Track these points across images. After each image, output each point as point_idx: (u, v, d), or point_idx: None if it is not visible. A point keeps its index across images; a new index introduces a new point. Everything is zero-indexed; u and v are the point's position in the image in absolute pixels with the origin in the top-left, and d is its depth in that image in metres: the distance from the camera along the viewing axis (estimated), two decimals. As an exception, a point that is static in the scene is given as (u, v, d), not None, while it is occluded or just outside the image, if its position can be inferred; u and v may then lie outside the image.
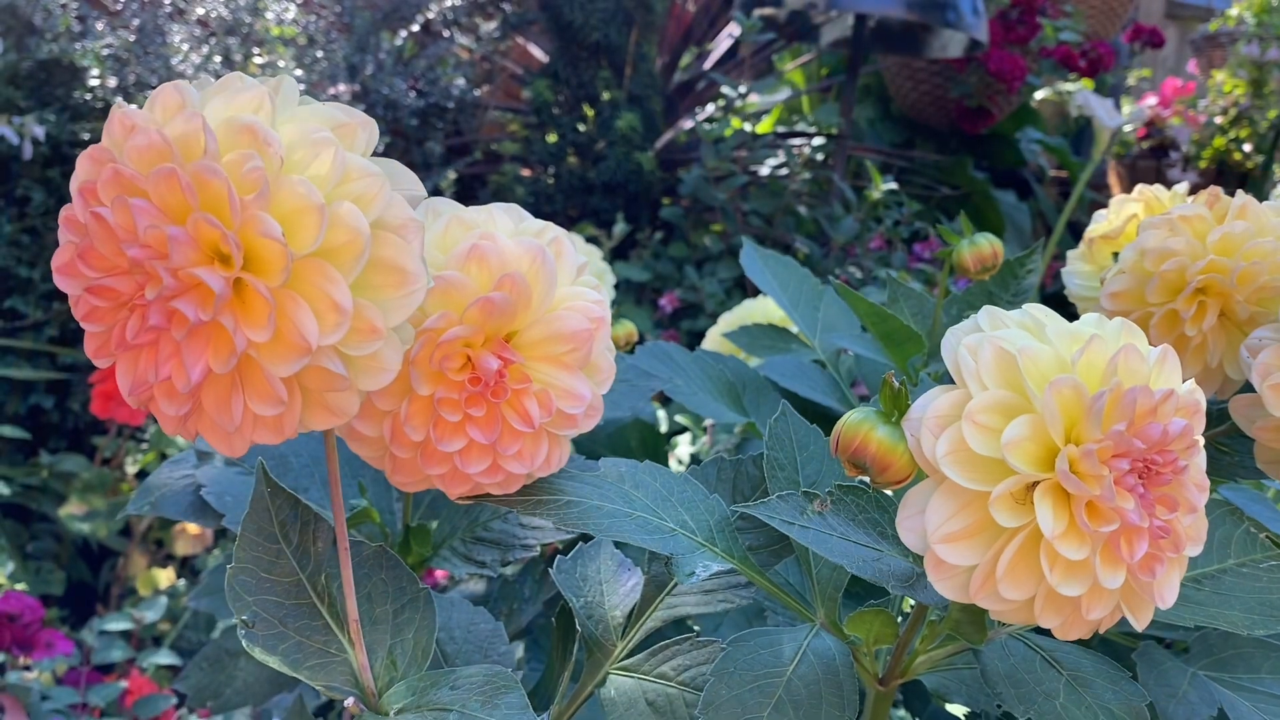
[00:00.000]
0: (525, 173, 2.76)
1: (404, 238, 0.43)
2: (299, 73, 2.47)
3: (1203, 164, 4.11)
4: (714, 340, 1.23)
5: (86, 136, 2.33)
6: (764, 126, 3.53)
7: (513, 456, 0.54)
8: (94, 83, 2.35)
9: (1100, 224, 0.84)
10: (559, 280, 0.56)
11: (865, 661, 0.60)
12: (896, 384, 0.49)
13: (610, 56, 2.67)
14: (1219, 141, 4.12)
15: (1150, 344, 0.68)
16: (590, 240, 2.40)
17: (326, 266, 0.42)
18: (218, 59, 2.44)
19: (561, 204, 2.63)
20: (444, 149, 2.49)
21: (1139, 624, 0.47)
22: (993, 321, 0.49)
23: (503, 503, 0.56)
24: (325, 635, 0.54)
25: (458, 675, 0.52)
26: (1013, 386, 0.46)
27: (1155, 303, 0.66)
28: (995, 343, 0.46)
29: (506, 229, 0.55)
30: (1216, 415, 0.73)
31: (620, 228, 2.37)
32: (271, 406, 0.43)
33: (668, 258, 2.55)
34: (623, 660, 0.61)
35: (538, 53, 3.13)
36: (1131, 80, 4.95)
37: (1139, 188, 0.83)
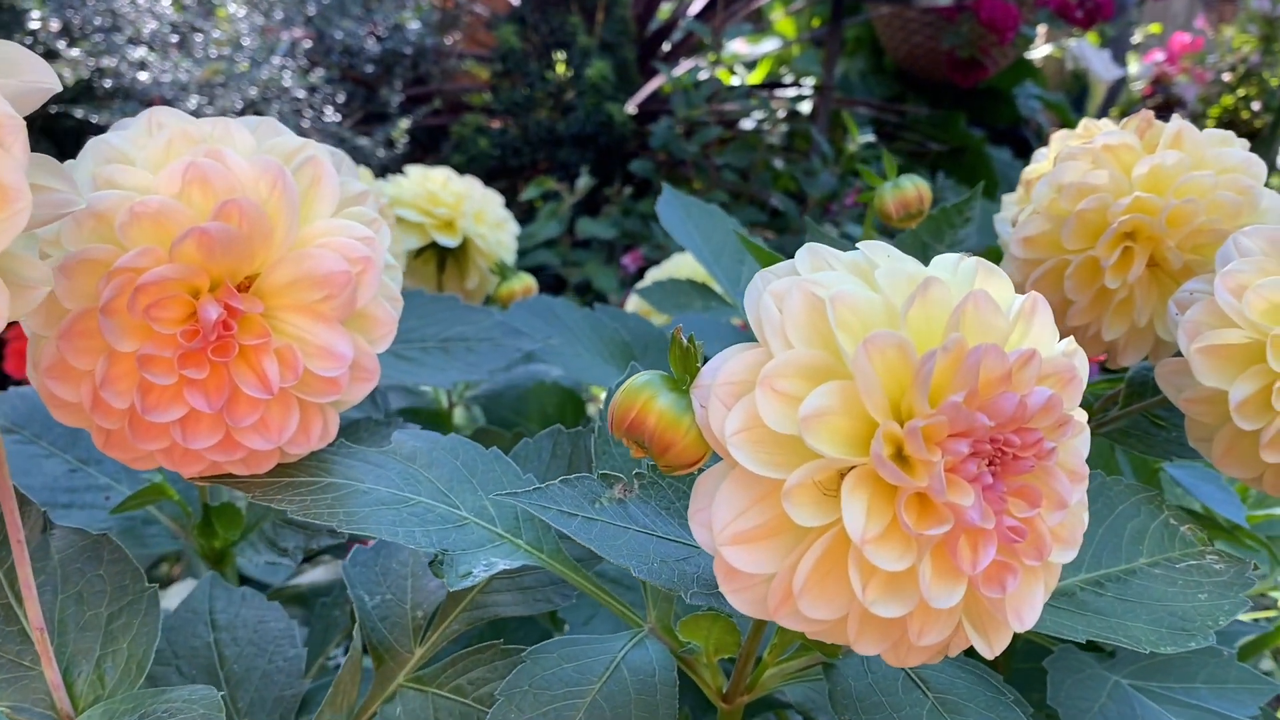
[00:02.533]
0: (495, 124, 2.64)
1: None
2: (257, 18, 2.35)
3: (1210, 122, 3.96)
4: (634, 300, 1.12)
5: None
6: (754, 78, 3.40)
7: (251, 429, 0.44)
8: (35, 25, 2.24)
9: (1038, 164, 0.72)
10: (316, 211, 0.45)
11: (706, 675, 0.50)
12: (685, 340, 0.38)
13: (581, 1, 2.55)
14: (1227, 99, 3.97)
15: (1071, 298, 0.57)
16: (551, 195, 2.29)
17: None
18: (166, 1, 2.32)
19: (529, 156, 2.51)
20: (405, 98, 2.38)
21: (990, 649, 0.37)
22: (814, 262, 0.38)
23: (240, 486, 0.46)
24: (20, 644, 0.44)
25: (168, 697, 0.42)
26: (825, 344, 0.35)
27: (1073, 249, 0.56)
28: (806, 288, 0.36)
29: (244, 146, 0.45)
30: (1151, 383, 0.62)
31: (584, 181, 2.25)
32: None
33: (638, 214, 2.43)
34: (419, 670, 0.52)
35: (513, -1, 3.00)
36: (1139, 37, 4.79)
37: (1084, 121, 0.72)
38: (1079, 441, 0.38)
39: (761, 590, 0.36)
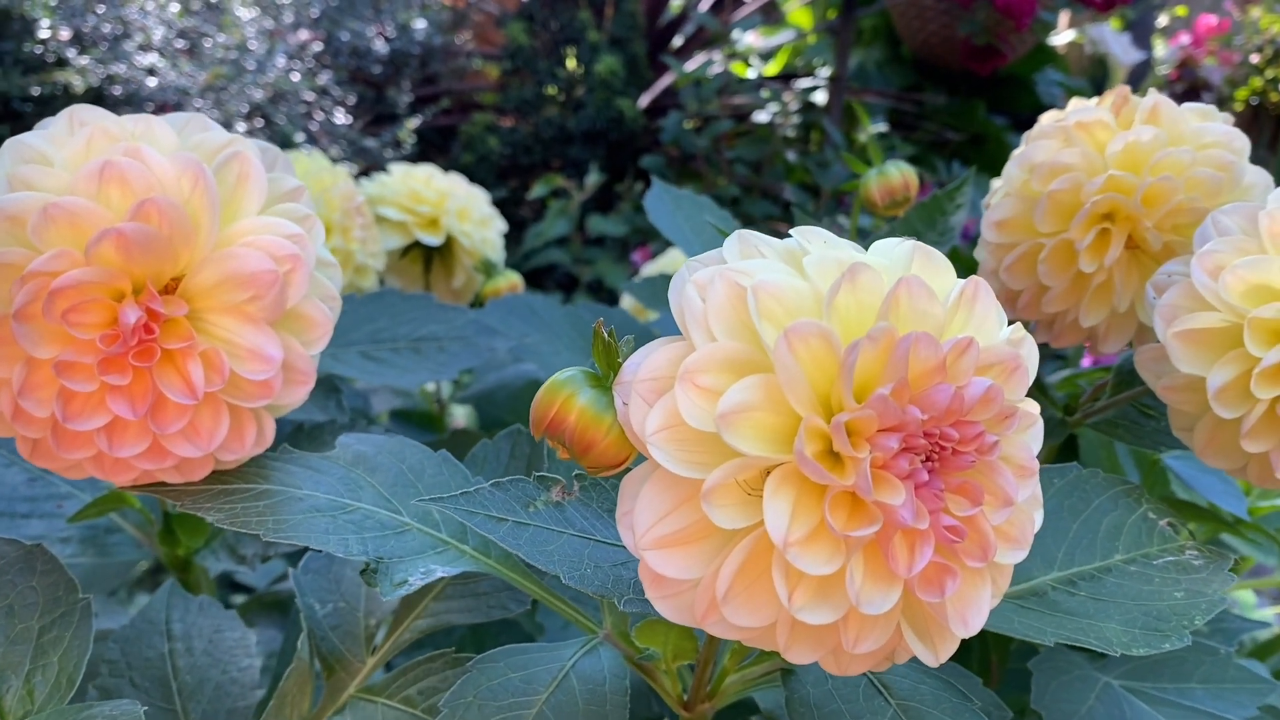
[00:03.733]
0: (506, 122, 2.63)
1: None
2: (266, 22, 2.35)
3: (1238, 106, 3.89)
4: (627, 297, 1.10)
5: (37, 91, 2.23)
6: (771, 70, 3.37)
7: (179, 435, 0.43)
8: (45, 34, 2.25)
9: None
10: (243, 209, 0.44)
11: (666, 682, 0.49)
12: (607, 334, 0.36)
13: (590, -3, 2.53)
14: (1255, 82, 3.89)
15: (1046, 283, 0.55)
16: (559, 193, 2.27)
17: None
18: (175, 7, 2.33)
19: (540, 154, 2.50)
20: (414, 98, 2.37)
21: (934, 657, 0.35)
22: (744, 249, 0.36)
23: (170, 495, 0.44)
24: (-51, 659, 0.43)
25: (91, 713, 0.41)
26: (748, 336, 0.33)
27: (1046, 231, 0.53)
28: (730, 277, 0.34)
29: (166, 143, 0.43)
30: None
31: (594, 178, 2.23)
32: None
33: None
34: (371, 680, 0.50)
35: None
36: (1165, 19, 4.72)
37: (1073, 100, 0.69)
38: (1029, 435, 0.36)
39: (689, 596, 0.34)
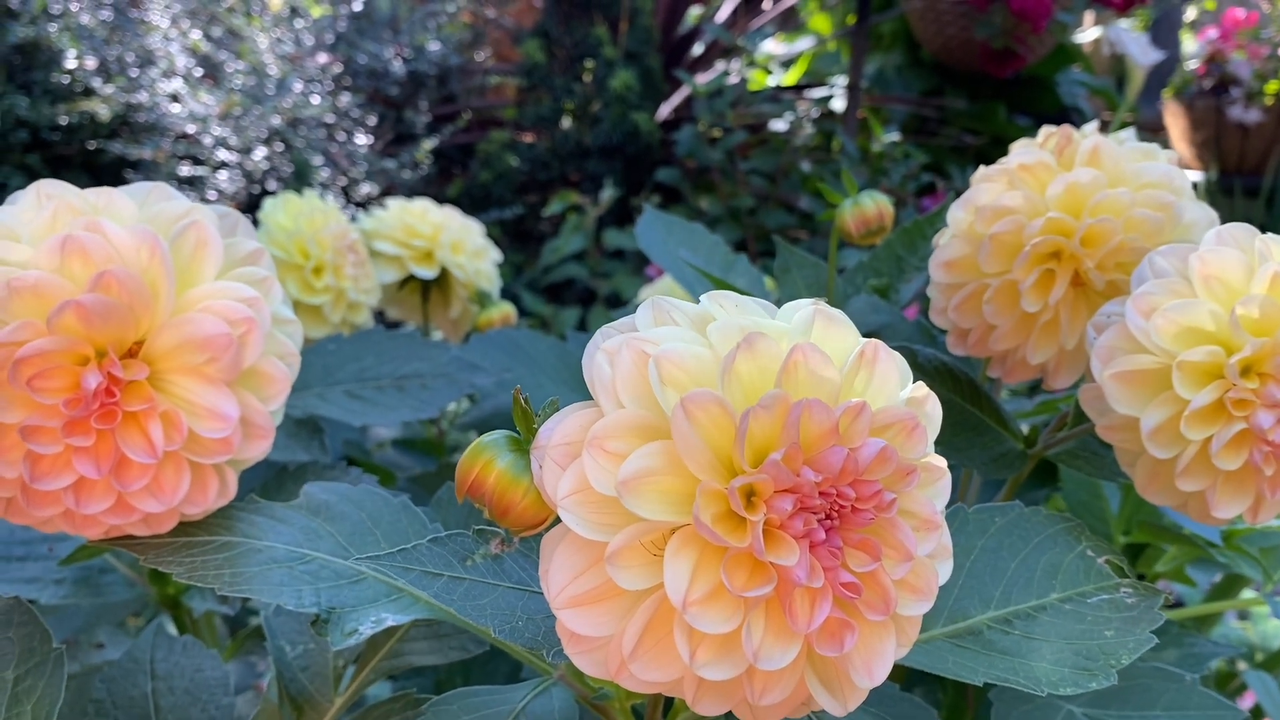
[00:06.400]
0: (528, 138, 2.65)
1: None
2: (286, 47, 2.39)
3: (1267, 100, 3.85)
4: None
5: (65, 120, 2.28)
6: (790, 78, 3.38)
7: (143, 492, 0.45)
8: (72, 64, 2.31)
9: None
10: (201, 274, 0.46)
11: None
12: (523, 400, 0.38)
13: (604, 12, 2.55)
14: (1285, 75, 3.84)
15: (992, 322, 0.56)
16: (574, 209, 2.29)
17: None
18: (197, 33, 2.38)
19: (558, 170, 2.52)
20: (432, 117, 2.40)
21: (841, 707, 0.36)
22: (656, 315, 0.38)
23: (134, 548, 0.46)
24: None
25: (61, 759, 0.43)
26: (653, 404, 0.35)
27: (990, 272, 0.54)
28: (636, 345, 0.35)
29: (126, 214, 0.46)
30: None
31: (609, 193, 2.25)
32: None
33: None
34: None
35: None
36: (1193, 13, 4.67)
37: (1043, 129, 0.70)
38: (933, 490, 0.38)
39: (603, 653, 0.36)
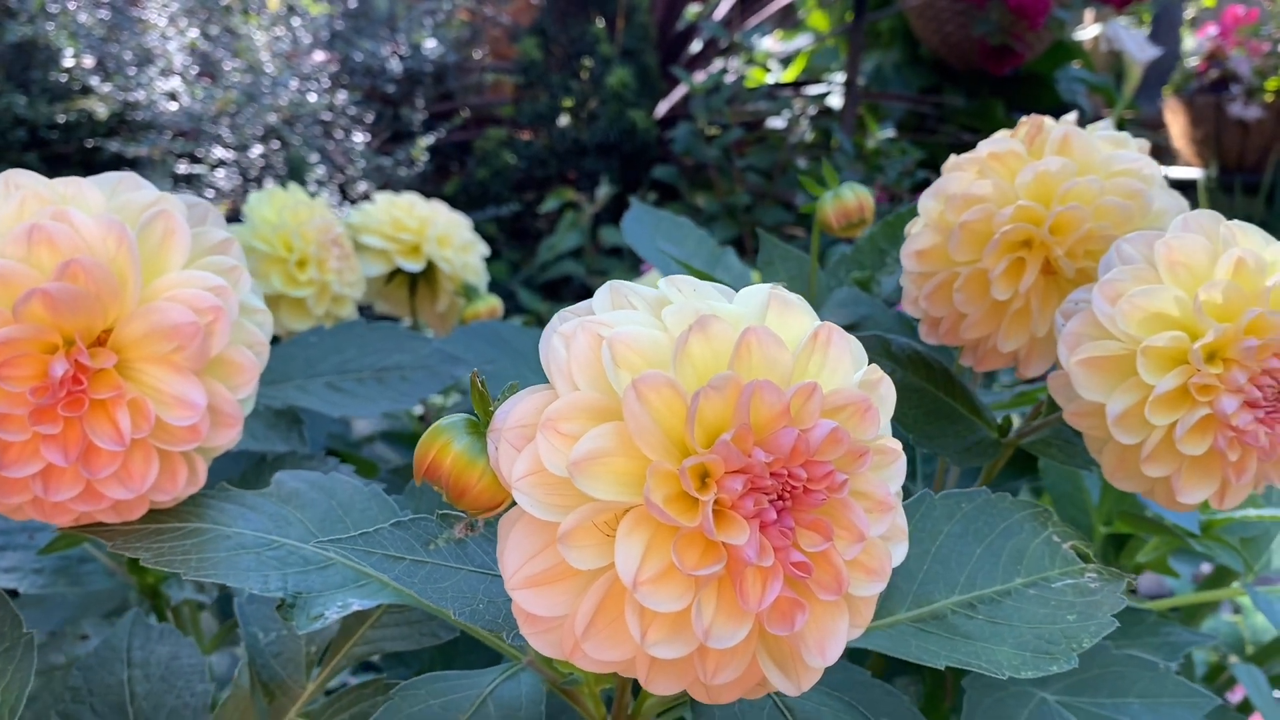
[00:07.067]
0: (525, 136, 2.66)
1: None
2: (283, 45, 2.39)
3: (1267, 96, 3.84)
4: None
5: (62, 119, 2.29)
6: (789, 75, 3.37)
7: (111, 479, 0.45)
8: (70, 63, 2.31)
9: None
10: (169, 263, 0.46)
11: (590, 705, 0.50)
12: (480, 383, 0.38)
13: (601, 9, 2.55)
14: (1286, 71, 3.84)
15: (963, 310, 0.56)
16: (571, 206, 2.29)
17: None
18: (194, 32, 2.38)
19: (555, 167, 2.52)
20: (429, 114, 2.40)
21: (794, 687, 0.37)
22: (615, 299, 0.38)
23: (103, 535, 0.47)
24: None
25: (29, 743, 0.43)
26: (609, 386, 0.35)
27: (961, 260, 0.55)
28: (591, 329, 0.36)
29: (94, 205, 0.46)
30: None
31: (605, 190, 2.26)
32: None
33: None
34: (309, 706, 0.52)
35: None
36: (1192, 11, 4.67)
37: (1024, 119, 0.71)
38: (888, 472, 0.38)
39: (558, 633, 0.36)
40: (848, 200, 0.78)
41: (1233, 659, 1.19)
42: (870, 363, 0.38)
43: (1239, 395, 0.46)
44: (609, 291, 0.38)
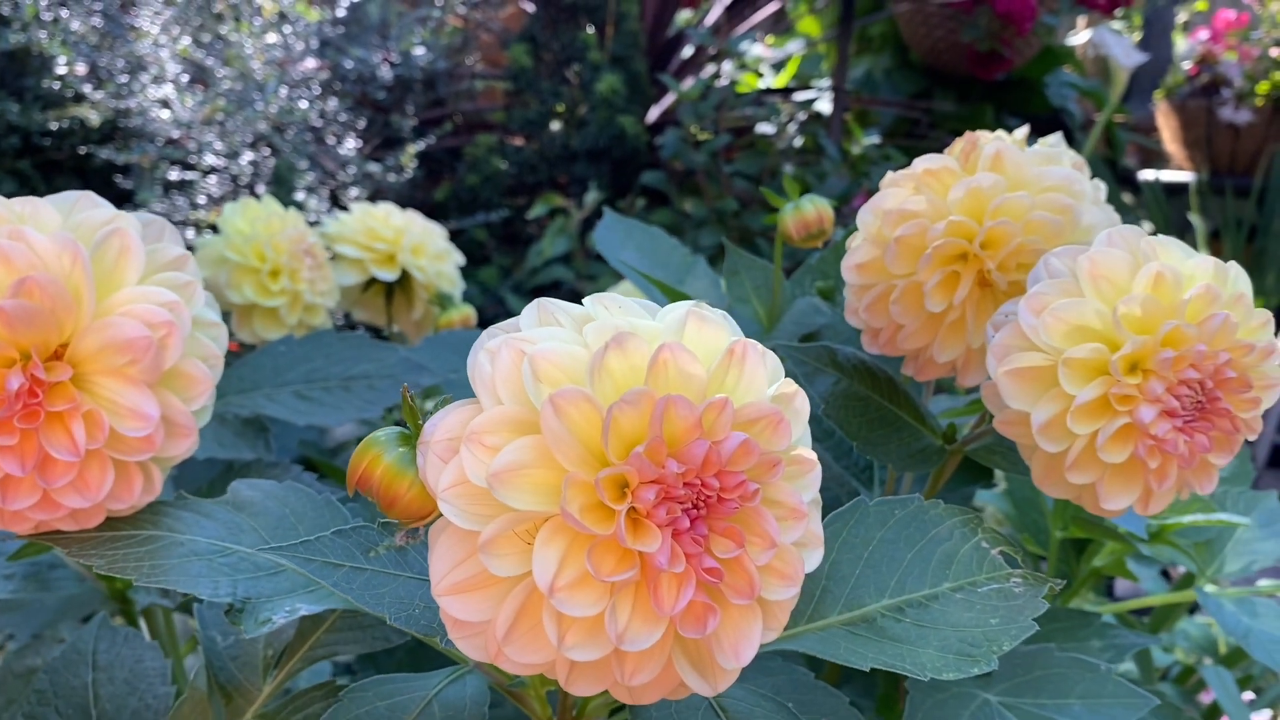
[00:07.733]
0: (515, 142, 2.67)
1: None
2: (275, 53, 2.41)
3: (1258, 101, 3.86)
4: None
5: (55, 126, 2.31)
6: (781, 80, 3.39)
7: (68, 488, 0.47)
8: (62, 70, 2.33)
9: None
10: (124, 279, 0.48)
11: (536, 706, 0.52)
12: (411, 397, 0.40)
13: (591, 16, 2.57)
14: (1276, 76, 3.86)
15: (899, 322, 0.58)
16: (558, 211, 2.31)
17: None
18: (186, 40, 2.40)
19: (546, 173, 2.54)
20: (419, 121, 2.42)
21: (710, 688, 0.38)
22: (541, 315, 0.40)
23: (60, 542, 0.48)
24: None
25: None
26: (528, 400, 0.37)
27: (897, 274, 0.56)
28: (515, 345, 0.37)
29: (50, 223, 0.48)
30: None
31: (593, 196, 2.27)
32: None
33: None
34: (264, 709, 0.54)
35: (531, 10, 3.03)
36: (1185, 14, 4.69)
37: (979, 134, 0.72)
38: (801, 482, 0.39)
39: (483, 638, 0.38)
40: (807, 212, 0.80)
41: (1206, 661, 1.20)
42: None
43: (1157, 405, 0.47)
44: (536, 309, 0.40)
